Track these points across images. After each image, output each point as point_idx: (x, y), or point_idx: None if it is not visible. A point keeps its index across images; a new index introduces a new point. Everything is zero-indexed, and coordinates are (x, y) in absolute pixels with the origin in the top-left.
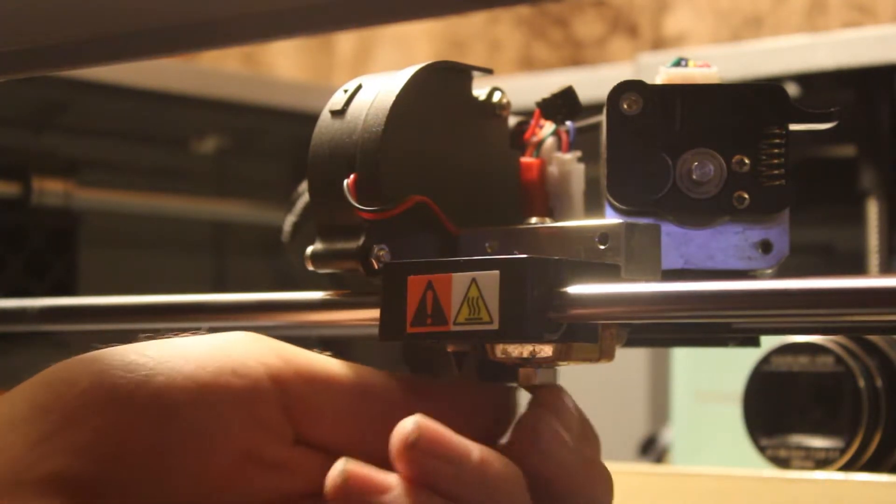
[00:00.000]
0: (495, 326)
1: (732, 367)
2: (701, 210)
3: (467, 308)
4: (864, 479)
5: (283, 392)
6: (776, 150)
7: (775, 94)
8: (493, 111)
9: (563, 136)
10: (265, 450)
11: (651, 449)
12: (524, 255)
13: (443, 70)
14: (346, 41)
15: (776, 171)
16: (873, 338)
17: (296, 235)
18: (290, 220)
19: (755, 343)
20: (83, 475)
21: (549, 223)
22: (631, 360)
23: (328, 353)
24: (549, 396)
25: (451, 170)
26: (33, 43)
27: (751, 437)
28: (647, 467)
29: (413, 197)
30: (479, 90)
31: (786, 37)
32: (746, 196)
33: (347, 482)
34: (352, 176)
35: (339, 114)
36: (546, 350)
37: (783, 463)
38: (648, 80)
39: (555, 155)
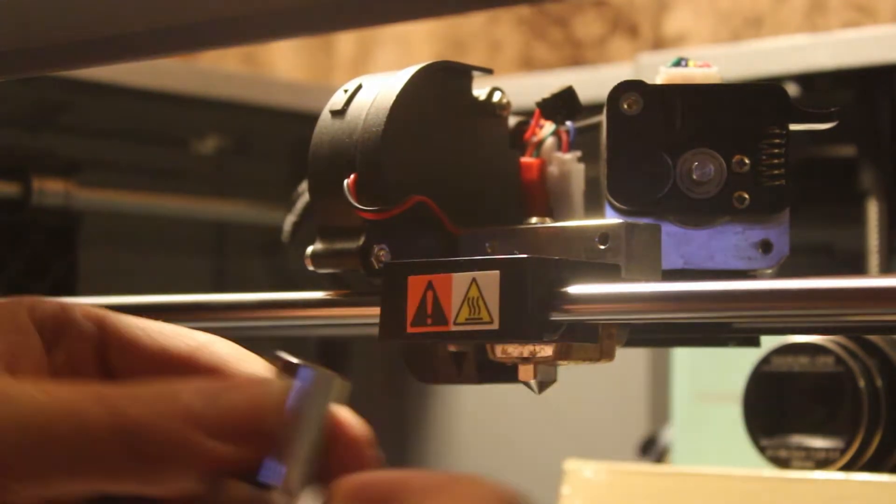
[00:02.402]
0: (495, 326)
1: (732, 367)
2: (701, 210)
3: (467, 308)
4: (864, 479)
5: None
6: (776, 150)
7: (775, 94)
8: (493, 111)
9: (563, 136)
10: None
11: (651, 449)
12: (524, 256)
13: (443, 70)
14: (346, 41)
15: (776, 171)
16: (873, 338)
17: (296, 235)
18: (290, 220)
19: (755, 343)
20: None
21: (549, 223)
22: (631, 360)
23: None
24: None
25: (451, 170)
26: (33, 43)
27: (751, 437)
28: (647, 467)
29: (413, 197)
30: (480, 90)
31: (786, 37)
32: (746, 196)
33: None
34: (352, 176)
35: (339, 114)
36: (546, 350)
37: (783, 463)
38: (648, 80)
39: (555, 155)
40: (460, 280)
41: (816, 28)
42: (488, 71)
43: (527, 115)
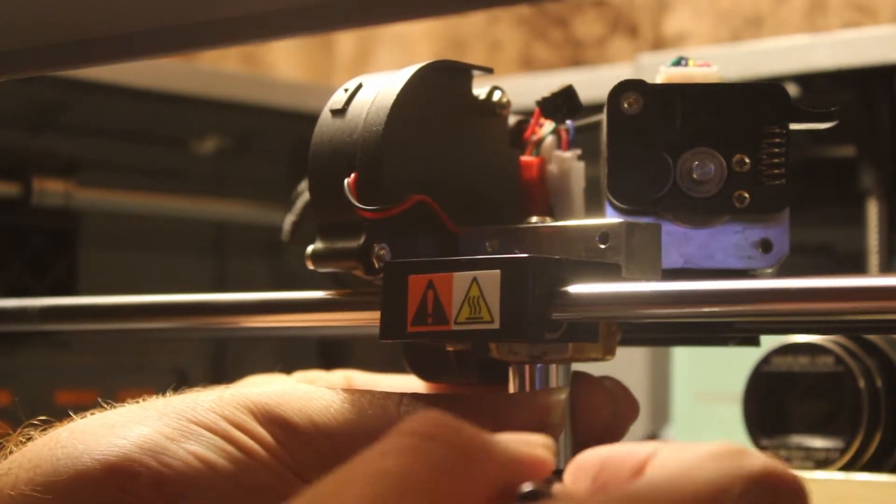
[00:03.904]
0: (496, 326)
1: (732, 367)
2: (701, 209)
3: (468, 307)
4: (864, 479)
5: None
6: (776, 150)
7: (775, 94)
8: (493, 110)
9: (563, 135)
10: None
11: None
12: (525, 255)
13: (443, 69)
14: (346, 41)
15: (776, 171)
16: (873, 338)
17: (296, 235)
18: (290, 220)
19: (755, 343)
20: None
21: (549, 222)
22: (631, 360)
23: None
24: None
25: (451, 169)
26: (33, 43)
27: (751, 437)
28: None
29: (413, 196)
30: (480, 89)
31: (786, 37)
32: (747, 195)
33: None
34: (352, 175)
35: (339, 113)
36: (548, 349)
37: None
38: (649, 80)
39: (555, 153)
40: (461, 279)
41: (816, 28)
42: (488, 70)
43: (527, 115)
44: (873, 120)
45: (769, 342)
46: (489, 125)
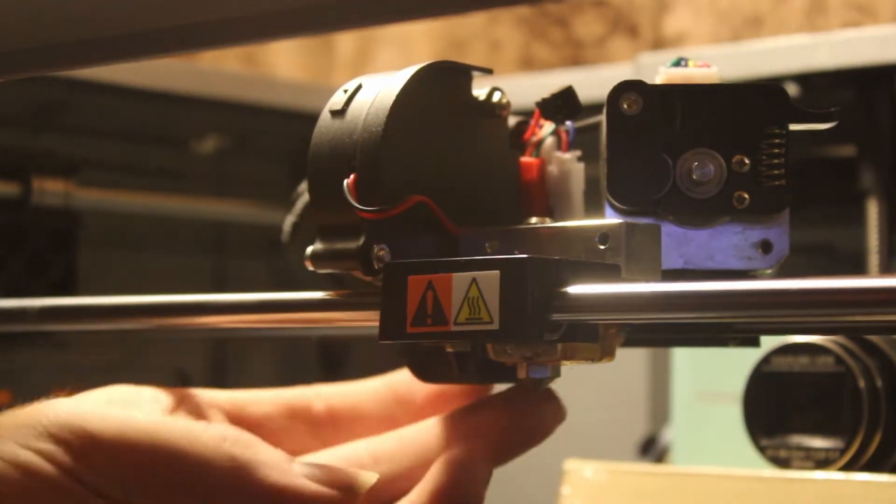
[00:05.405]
0: (495, 326)
1: (732, 367)
2: (701, 210)
3: (468, 308)
4: (864, 479)
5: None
6: (776, 150)
7: (775, 94)
8: (492, 111)
9: (563, 136)
10: None
11: (651, 449)
12: (524, 256)
13: (443, 70)
14: (346, 41)
15: (776, 171)
16: (873, 338)
17: (295, 235)
18: (289, 220)
19: (755, 343)
20: None
21: (549, 223)
22: (631, 360)
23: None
24: None
25: (450, 170)
26: (33, 43)
27: (751, 437)
28: (647, 467)
29: (413, 197)
30: (479, 90)
31: (786, 37)
32: (746, 196)
33: None
34: (352, 176)
35: (339, 114)
36: (547, 350)
37: (783, 463)
38: (648, 80)
39: (554, 154)
40: (460, 280)
41: (816, 28)
42: (488, 71)
43: (527, 115)
44: (873, 120)
45: (769, 342)
46: (489, 126)
